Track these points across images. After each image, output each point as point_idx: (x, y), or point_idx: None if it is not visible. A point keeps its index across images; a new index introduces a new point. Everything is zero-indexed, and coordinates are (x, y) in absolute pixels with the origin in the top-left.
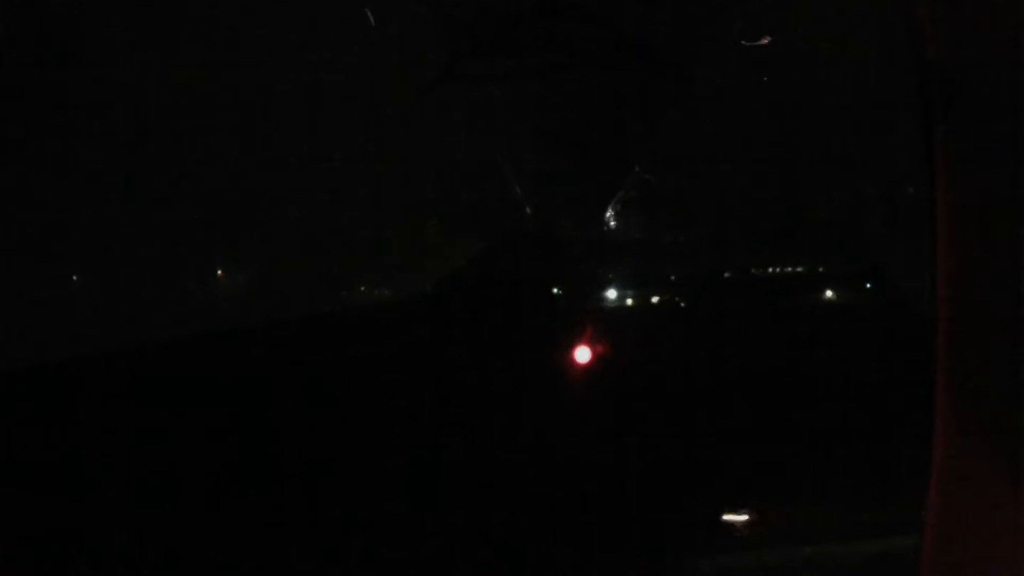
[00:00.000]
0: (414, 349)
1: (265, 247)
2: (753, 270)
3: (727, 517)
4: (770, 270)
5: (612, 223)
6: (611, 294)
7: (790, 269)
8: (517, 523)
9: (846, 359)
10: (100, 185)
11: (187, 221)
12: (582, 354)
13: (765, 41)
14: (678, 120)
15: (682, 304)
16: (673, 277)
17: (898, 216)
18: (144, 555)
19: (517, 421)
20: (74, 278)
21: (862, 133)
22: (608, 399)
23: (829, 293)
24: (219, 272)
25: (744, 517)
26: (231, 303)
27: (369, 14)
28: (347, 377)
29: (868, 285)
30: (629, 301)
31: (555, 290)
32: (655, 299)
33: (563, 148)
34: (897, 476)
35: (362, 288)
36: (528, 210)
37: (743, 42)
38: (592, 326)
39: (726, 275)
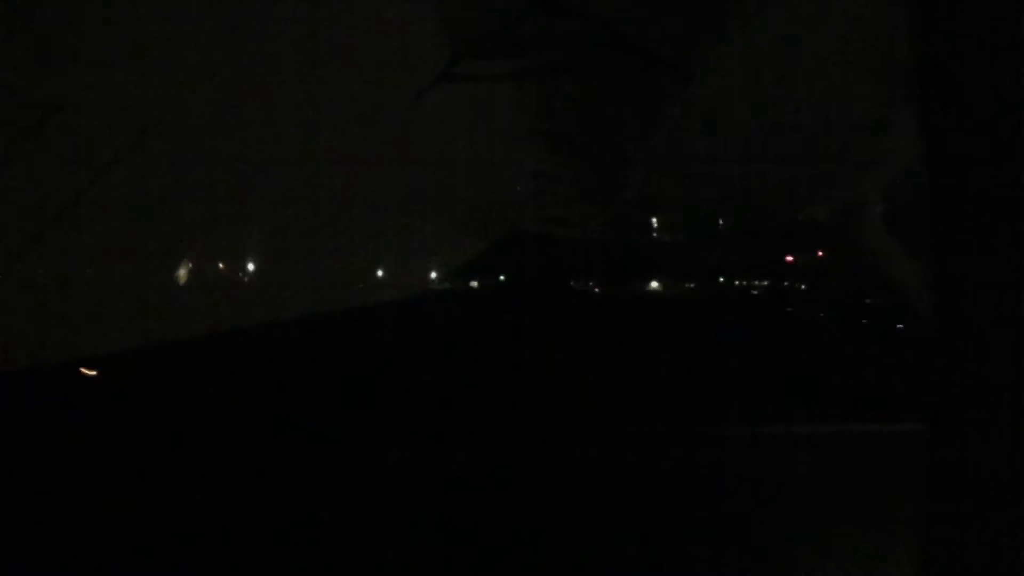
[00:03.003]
0: (415, 348)
1: (265, 247)
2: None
3: None
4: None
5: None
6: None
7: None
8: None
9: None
10: (100, 185)
11: (187, 221)
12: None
13: (764, 42)
14: (678, 119)
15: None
16: (673, 274)
17: (898, 216)
18: (144, 554)
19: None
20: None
21: (862, 133)
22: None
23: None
24: (219, 271)
25: None
26: (231, 303)
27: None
28: (348, 376)
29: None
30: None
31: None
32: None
33: (563, 148)
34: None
35: (362, 288)
36: (528, 210)
37: (742, 42)
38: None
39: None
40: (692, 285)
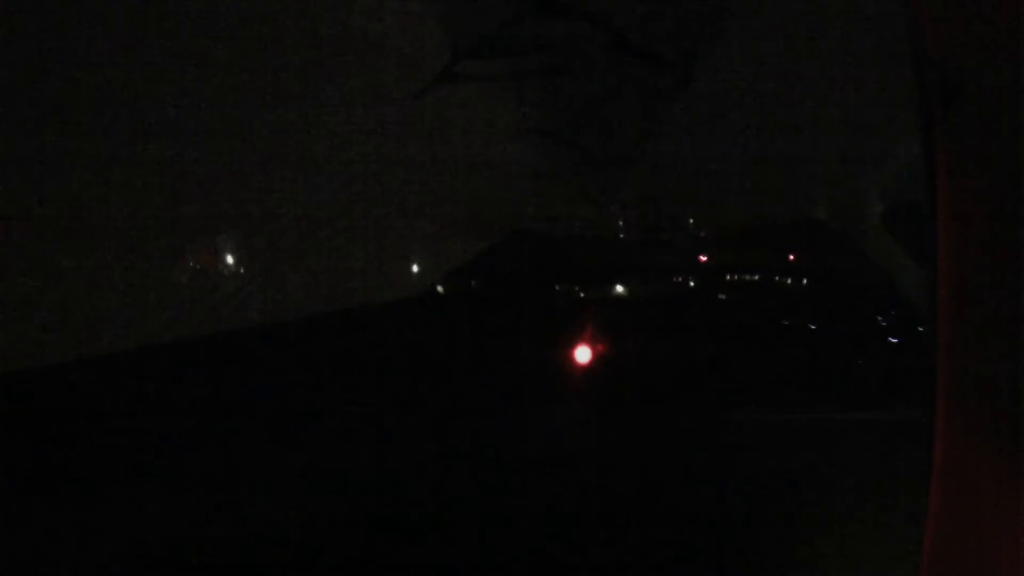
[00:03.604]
0: (415, 347)
1: (265, 247)
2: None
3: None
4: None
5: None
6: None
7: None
8: None
9: None
10: (100, 185)
11: (187, 221)
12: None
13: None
14: (678, 119)
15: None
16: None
17: (898, 216)
18: (145, 554)
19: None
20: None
21: (862, 133)
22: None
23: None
24: (219, 271)
25: None
26: (231, 303)
27: None
28: (348, 376)
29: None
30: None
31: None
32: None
33: (563, 148)
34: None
35: (363, 288)
36: (528, 210)
37: (742, 42)
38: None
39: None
40: (677, 284)
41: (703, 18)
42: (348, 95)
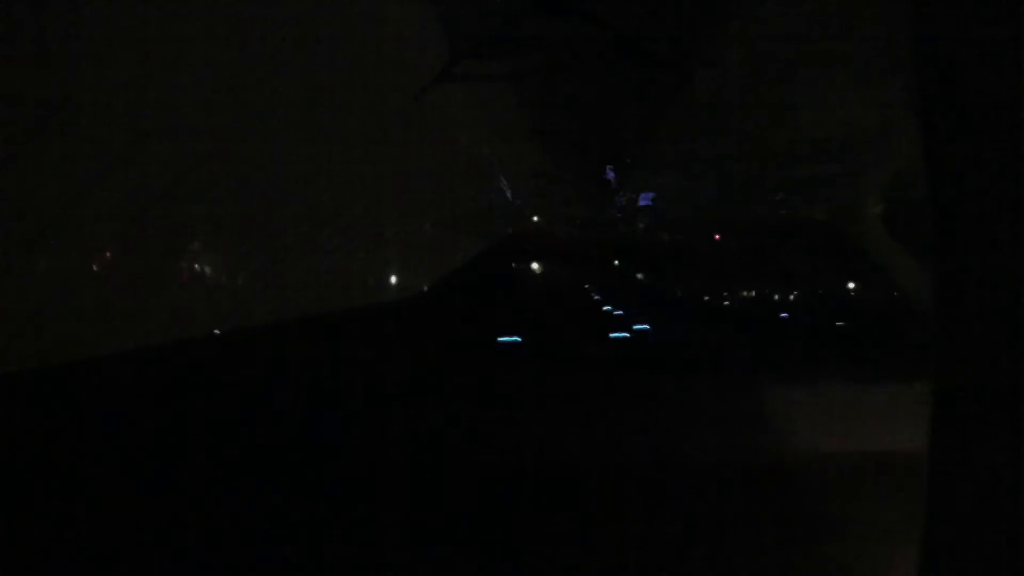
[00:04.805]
0: (414, 346)
1: (265, 247)
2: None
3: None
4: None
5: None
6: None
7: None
8: None
9: None
10: (100, 185)
11: (187, 221)
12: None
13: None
14: (677, 119)
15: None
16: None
17: (898, 216)
18: (145, 553)
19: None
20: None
21: (862, 133)
22: None
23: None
24: (219, 271)
25: None
26: (231, 303)
27: None
28: (348, 375)
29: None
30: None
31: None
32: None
33: (563, 148)
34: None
35: (363, 288)
36: (528, 210)
37: (742, 42)
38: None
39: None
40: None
41: (703, 18)
42: (348, 95)
